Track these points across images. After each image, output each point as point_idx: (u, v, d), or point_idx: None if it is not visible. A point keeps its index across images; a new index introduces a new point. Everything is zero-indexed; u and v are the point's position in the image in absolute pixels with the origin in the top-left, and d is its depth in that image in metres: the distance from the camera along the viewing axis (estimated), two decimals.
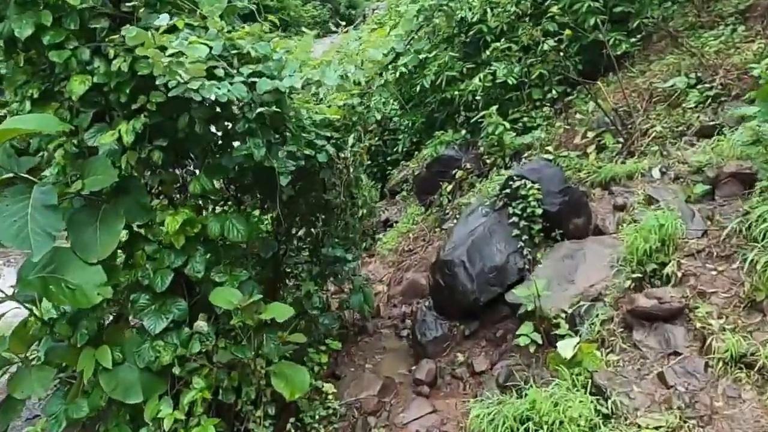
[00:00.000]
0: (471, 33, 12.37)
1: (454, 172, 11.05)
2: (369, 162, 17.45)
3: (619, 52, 10.81)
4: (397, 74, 12.71)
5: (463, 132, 12.37)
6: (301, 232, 7.36)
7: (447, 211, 10.59)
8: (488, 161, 11.00)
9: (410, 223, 11.69)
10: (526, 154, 10.67)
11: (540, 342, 5.84)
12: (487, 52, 11.91)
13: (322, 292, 7.70)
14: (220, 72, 5.25)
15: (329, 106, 7.28)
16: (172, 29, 5.65)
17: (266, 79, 5.35)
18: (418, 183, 11.88)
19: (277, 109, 5.70)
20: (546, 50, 10.50)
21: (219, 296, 5.27)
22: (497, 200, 7.79)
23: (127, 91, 5.12)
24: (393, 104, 16.97)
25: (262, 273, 7.24)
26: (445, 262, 7.24)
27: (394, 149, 15.48)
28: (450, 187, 10.89)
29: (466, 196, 10.57)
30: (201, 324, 5.39)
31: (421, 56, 12.56)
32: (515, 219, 7.24)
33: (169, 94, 4.84)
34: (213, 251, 5.72)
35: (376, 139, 17.51)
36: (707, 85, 8.96)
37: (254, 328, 5.61)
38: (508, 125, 10.90)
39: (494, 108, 11.11)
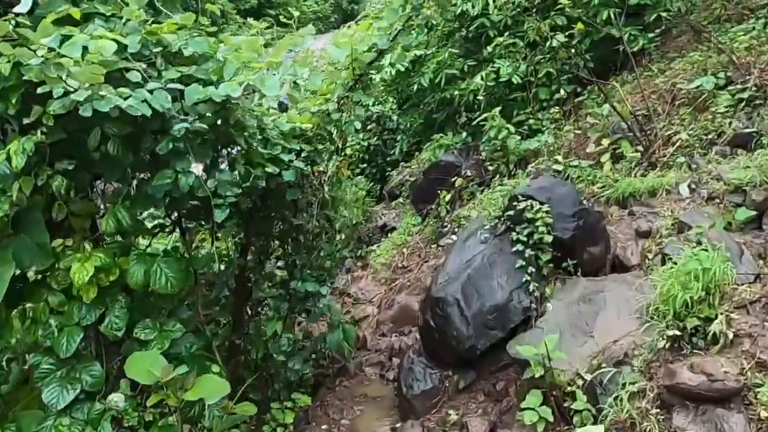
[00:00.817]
0: (472, 28, 10.88)
1: (453, 179, 9.61)
2: (366, 163, 16.08)
3: (635, 49, 9.30)
4: (393, 72, 11.32)
5: (464, 135, 10.90)
6: (268, 264, 5.97)
7: (445, 224, 9.17)
8: (490, 168, 9.55)
9: (406, 234, 10.26)
10: (532, 161, 9.22)
11: (551, 419, 4.43)
12: (490, 49, 10.42)
13: (295, 324, 6.33)
14: (135, 76, 3.84)
15: (300, 114, 5.89)
16: (86, 18, 4.28)
17: (197, 86, 3.93)
18: (415, 190, 10.44)
19: (220, 122, 4.32)
20: (555, 46, 9.00)
21: (135, 366, 3.86)
22: (499, 223, 6.34)
23: (14, 100, 3.73)
24: (392, 102, 15.58)
25: (221, 312, 5.88)
26: (437, 300, 5.80)
27: (393, 150, 14.01)
28: (449, 197, 9.45)
29: (466, 208, 9.13)
30: (116, 397, 3.99)
31: (416, 53, 11.12)
32: (520, 247, 5.80)
33: (50, 109, 3.44)
34: (140, 300, 4.35)
35: (375, 138, 16.06)
36: (739, 87, 7.43)
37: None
38: (512, 129, 9.43)
39: (497, 110, 9.63)
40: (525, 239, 5.83)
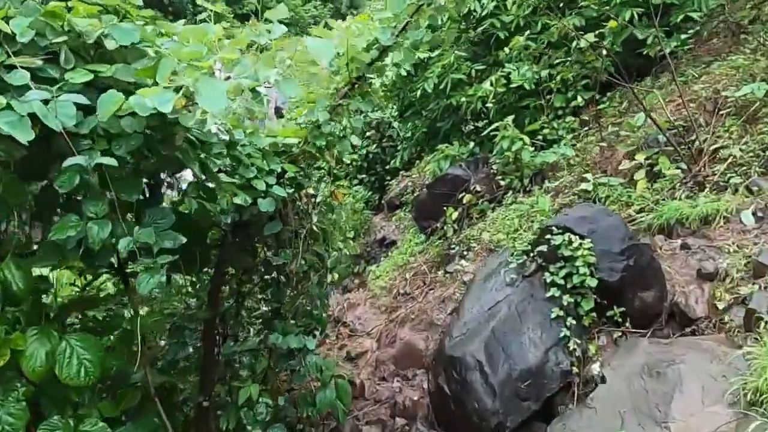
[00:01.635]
0: (480, 29, 9.51)
1: (460, 195, 8.24)
2: (365, 172, 14.69)
3: (664, 52, 7.93)
4: (394, 76, 9.92)
5: (471, 145, 9.51)
6: (244, 312, 4.59)
7: (452, 246, 7.79)
8: (502, 183, 8.17)
9: (407, 254, 8.88)
10: (550, 176, 7.85)
11: None
12: (507, 51, 9.04)
13: (276, 384, 4.93)
14: (20, 78, 2.44)
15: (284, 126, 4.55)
16: None
17: (115, 93, 2.54)
18: (418, 206, 9.04)
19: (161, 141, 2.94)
20: (582, 47, 7.63)
21: None
22: (528, 260, 4.97)
23: None
24: (393, 108, 14.22)
25: (182, 376, 4.49)
26: (453, 360, 4.42)
27: (393, 159, 12.61)
28: (456, 214, 8.07)
29: (476, 228, 7.75)
30: None
31: (420, 55, 9.72)
32: (556, 292, 4.43)
33: None
34: (49, 387, 2.97)
35: (374, 146, 14.68)
36: None
37: None
38: (527, 140, 8.06)
39: (510, 118, 8.27)
40: (562, 282, 4.46)
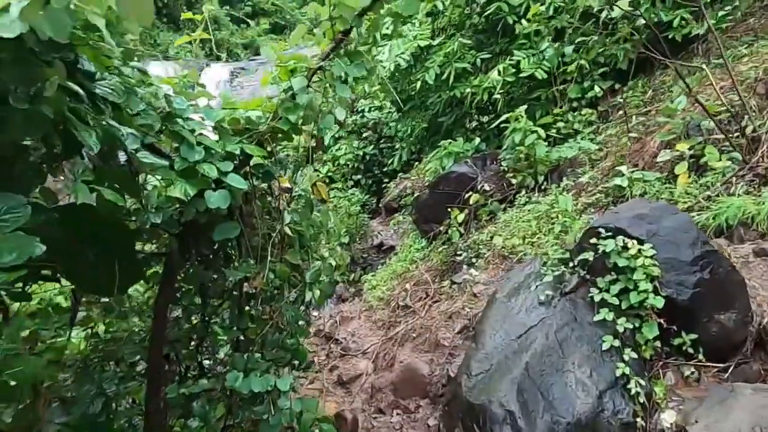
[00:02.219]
0: (486, 14, 8.34)
1: (467, 195, 7.04)
2: (361, 174, 13.49)
3: (699, 31, 6.75)
4: (392, 67, 8.73)
5: (477, 141, 8.31)
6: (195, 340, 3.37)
7: (459, 252, 6.57)
8: (514, 181, 6.97)
9: (408, 262, 7.66)
10: (569, 172, 6.65)
11: None
12: (520, 26, 7.85)
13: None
14: None
15: None
16: None
17: None
18: (419, 208, 7.82)
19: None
20: (615, 18, 6.47)
21: None
22: (567, 272, 3.74)
23: None
24: (390, 108, 13.07)
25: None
26: (473, 409, 3.18)
27: (391, 159, 11.42)
28: (462, 217, 6.87)
29: (485, 232, 6.54)
30: None
31: (420, 43, 8.54)
32: (608, 314, 3.23)
33: None
34: None
35: (371, 147, 13.49)
36: None
37: None
38: (541, 133, 6.88)
39: (521, 109, 7.09)
40: (614, 301, 3.24)
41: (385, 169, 13.24)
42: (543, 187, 6.74)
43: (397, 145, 10.68)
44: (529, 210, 6.22)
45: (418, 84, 8.37)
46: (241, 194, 3.01)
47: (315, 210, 3.54)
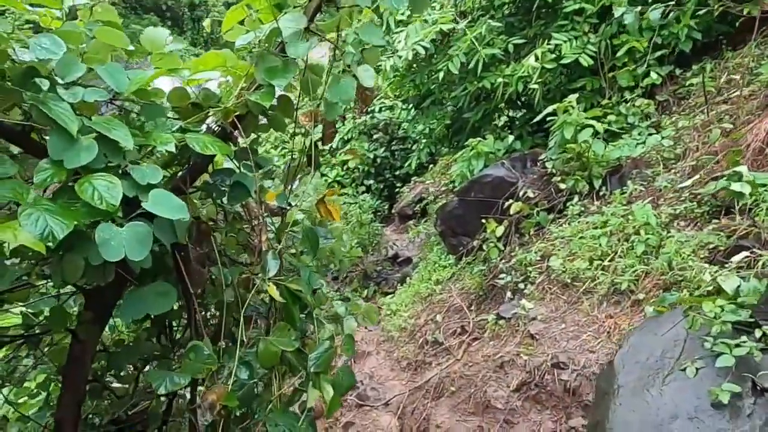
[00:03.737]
0: None
1: (505, 203, 5.49)
2: (372, 178, 11.95)
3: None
4: (410, 56, 7.18)
5: (510, 140, 6.74)
6: None
7: (501, 275, 5.03)
8: (563, 186, 5.41)
9: (433, 282, 6.11)
10: (633, 175, 5.10)
11: None
12: (557, 16, 6.28)
13: None
14: None
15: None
16: None
17: None
18: (445, 218, 6.26)
19: None
20: None
21: None
22: (754, 350, 2.20)
23: None
24: (403, 106, 11.55)
25: None
26: None
27: (408, 161, 9.86)
28: (501, 229, 5.33)
29: (533, 248, 4.98)
30: None
31: (443, 27, 6.99)
32: None
33: None
34: None
35: (382, 149, 11.96)
36: None
37: None
38: (599, 127, 5.34)
39: (573, 97, 5.56)
40: None
41: (397, 173, 11.71)
42: (601, 193, 5.19)
43: (413, 146, 9.08)
44: (590, 223, 4.67)
45: (440, 75, 6.81)
46: (187, 228, 1.46)
47: (322, 238, 2.00)
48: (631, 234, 4.16)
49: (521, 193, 5.49)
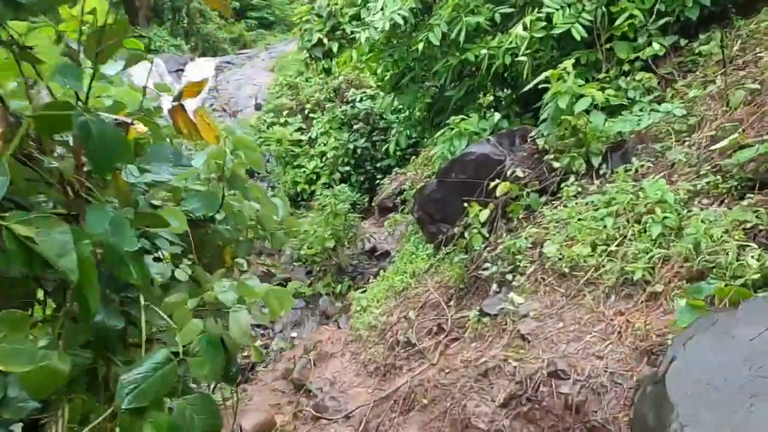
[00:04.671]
0: None
1: (491, 183, 4.61)
2: (352, 169, 11.03)
3: None
4: (387, 26, 6.29)
5: (496, 118, 5.85)
6: None
7: (485, 264, 4.15)
8: (557, 165, 4.53)
9: (409, 274, 5.21)
10: (639, 150, 4.24)
11: None
12: None
13: None
14: None
15: None
16: None
17: None
18: (422, 202, 5.36)
19: None
20: None
21: None
22: None
23: None
24: (383, 96, 10.73)
25: None
26: None
27: (386, 146, 8.97)
28: (486, 213, 4.45)
29: (523, 234, 4.11)
30: None
31: None
32: None
33: None
34: None
35: (363, 140, 11.07)
36: None
37: None
38: (598, 95, 4.49)
39: (568, 63, 4.71)
40: None
41: (378, 165, 10.85)
42: (601, 172, 4.33)
43: (394, 131, 8.16)
44: (590, 203, 3.80)
45: (420, 45, 5.92)
46: None
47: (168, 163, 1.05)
48: (643, 213, 3.30)
49: (509, 173, 4.61)
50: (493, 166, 4.72)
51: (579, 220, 3.64)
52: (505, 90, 6.16)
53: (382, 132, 10.83)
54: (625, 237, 3.26)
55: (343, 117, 11.33)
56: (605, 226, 3.39)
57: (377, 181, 10.35)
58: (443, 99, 6.56)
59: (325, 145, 11.13)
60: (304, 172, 11.18)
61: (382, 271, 6.12)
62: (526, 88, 4.98)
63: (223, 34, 18.18)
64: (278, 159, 11.23)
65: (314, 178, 11.13)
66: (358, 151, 10.90)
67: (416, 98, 6.70)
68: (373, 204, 10.21)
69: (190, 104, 1.45)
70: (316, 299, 7.44)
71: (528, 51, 5.45)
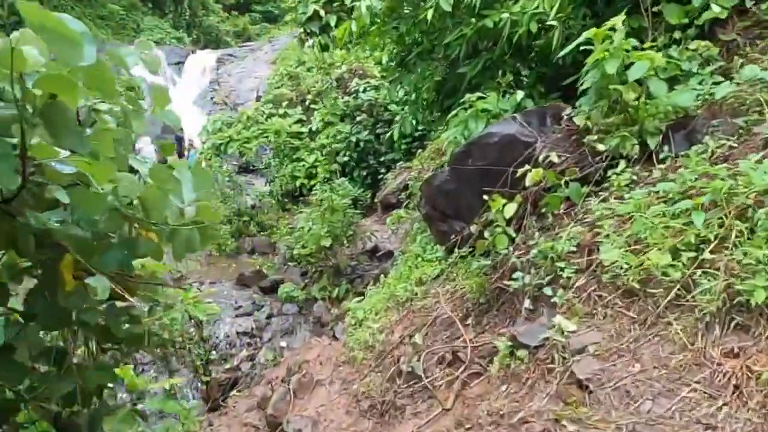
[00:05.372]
0: None
1: (518, 170, 3.55)
2: (355, 163, 9.98)
3: None
4: None
5: (519, 96, 4.74)
6: None
7: (515, 273, 3.10)
8: (601, 147, 3.48)
9: (414, 281, 4.15)
10: (709, 129, 3.19)
11: None
12: None
13: None
14: None
15: None
16: None
17: None
18: (433, 195, 4.26)
19: None
20: None
21: None
22: None
23: None
24: (386, 85, 9.72)
25: None
26: None
27: (390, 132, 7.90)
28: (513, 208, 3.40)
29: (563, 235, 3.06)
30: None
31: None
32: None
33: None
34: None
35: (366, 132, 10.02)
36: None
37: None
38: (658, 58, 3.42)
39: (617, 19, 3.62)
40: None
41: (382, 159, 9.79)
42: (661, 156, 3.25)
43: (398, 117, 7.03)
44: (656, 194, 2.73)
45: (430, 12, 4.85)
46: None
47: None
48: (748, 206, 2.23)
49: (541, 158, 3.54)
50: (521, 149, 3.65)
51: (645, 216, 2.56)
52: (530, 65, 5.09)
53: (386, 124, 9.77)
54: (725, 240, 2.19)
55: (345, 108, 10.29)
56: (691, 224, 2.32)
57: (380, 177, 9.33)
58: (455, 77, 5.48)
59: (326, 137, 10.11)
60: (304, 165, 10.14)
61: (383, 275, 5.05)
62: (563, 53, 3.89)
63: (226, 27, 17.13)
64: (276, 151, 10.20)
65: (314, 172, 10.10)
66: (361, 144, 9.86)
67: (424, 78, 5.61)
68: (375, 200, 9.18)
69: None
70: (311, 304, 6.40)
71: (559, 15, 4.38)
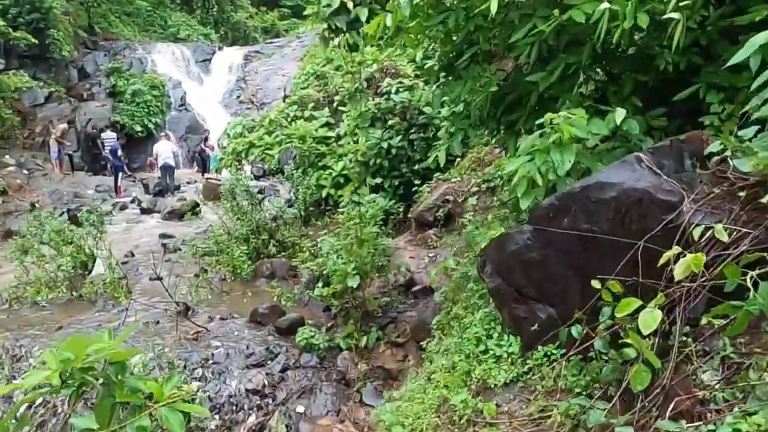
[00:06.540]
0: None
1: (663, 253, 2.09)
2: (386, 172, 8.55)
3: None
4: None
5: (620, 115, 3.26)
6: None
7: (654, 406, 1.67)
8: None
9: (474, 384, 2.76)
10: None
11: None
12: None
13: None
14: None
15: None
16: None
17: None
18: (501, 262, 2.77)
19: None
20: None
21: None
22: None
23: None
24: (423, 88, 8.27)
25: None
26: None
27: (427, 153, 6.47)
28: (656, 316, 1.96)
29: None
30: None
31: None
32: None
33: None
34: None
35: (399, 138, 8.54)
36: None
37: None
38: None
39: None
40: None
41: (416, 167, 8.31)
42: None
43: (441, 131, 5.45)
44: None
45: (493, 7, 3.32)
46: None
47: None
48: None
49: (695, 231, 2.05)
50: (657, 214, 2.17)
51: None
52: (623, 71, 3.57)
53: (420, 129, 8.30)
54: None
55: (376, 111, 8.82)
56: None
57: (414, 188, 7.89)
58: (520, 87, 3.96)
59: (355, 143, 8.70)
60: (330, 174, 8.76)
61: (420, 344, 3.62)
62: (736, 59, 2.36)
63: (255, 23, 15.76)
64: (301, 159, 8.85)
65: (342, 181, 8.72)
66: (393, 150, 8.39)
67: (482, 86, 4.08)
68: (409, 215, 7.75)
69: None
70: (334, 355, 5.06)
71: (683, 4, 2.85)
